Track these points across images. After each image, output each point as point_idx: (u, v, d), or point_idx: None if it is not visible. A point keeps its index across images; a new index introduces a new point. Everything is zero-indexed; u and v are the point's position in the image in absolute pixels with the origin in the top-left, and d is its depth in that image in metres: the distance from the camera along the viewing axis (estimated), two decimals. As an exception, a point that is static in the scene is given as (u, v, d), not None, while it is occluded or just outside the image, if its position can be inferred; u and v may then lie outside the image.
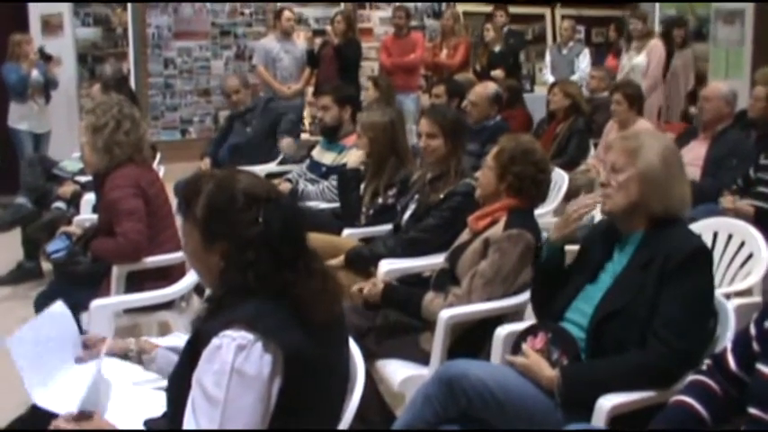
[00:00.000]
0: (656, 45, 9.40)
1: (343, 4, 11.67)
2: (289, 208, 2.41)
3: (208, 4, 11.41)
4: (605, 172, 3.11)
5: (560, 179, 5.98)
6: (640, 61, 9.26)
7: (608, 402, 2.77)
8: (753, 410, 2.24)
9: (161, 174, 5.00)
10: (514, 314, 3.65)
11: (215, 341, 2.18)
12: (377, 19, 12.18)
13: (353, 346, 2.63)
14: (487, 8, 11.74)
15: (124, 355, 2.91)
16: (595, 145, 7.50)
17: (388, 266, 4.29)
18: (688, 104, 9.54)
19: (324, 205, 5.75)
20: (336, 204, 5.57)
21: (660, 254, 2.91)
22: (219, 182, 2.34)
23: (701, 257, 2.90)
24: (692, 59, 10.13)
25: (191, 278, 4.28)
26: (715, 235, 4.34)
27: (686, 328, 2.78)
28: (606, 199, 3.06)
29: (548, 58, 10.83)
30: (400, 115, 5.60)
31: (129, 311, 4.31)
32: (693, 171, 5.92)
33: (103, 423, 2.43)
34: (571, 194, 5.88)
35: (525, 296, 3.56)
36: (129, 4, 10.76)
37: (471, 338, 3.64)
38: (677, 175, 3.08)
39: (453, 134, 4.53)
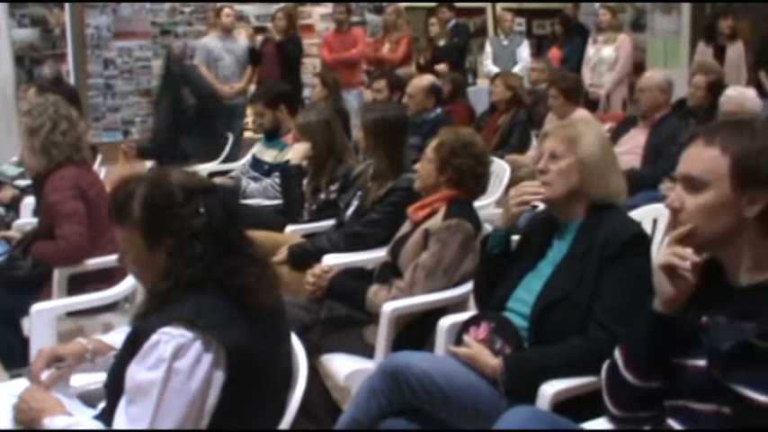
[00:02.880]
0: (625, 40, 9.55)
1: (283, 1, 11.62)
2: (226, 194, 2.43)
3: (147, 4, 11.30)
4: (543, 160, 3.13)
5: (502, 170, 6.01)
6: (609, 54, 9.37)
7: (551, 389, 2.80)
8: (676, 402, 2.29)
9: (102, 175, 4.95)
10: (458, 305, 3.66)
11: (154, 337, 2.18)
12: (318, 15, 12.14)
13: (295, 340, 2.63)
14: (430, 3, 11.78)
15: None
16: (537, 136, 7.55)
17: (332, 260, 4.28)
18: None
19: (267, 202, 5.73)
20: (279, 201, 5.56)
21: (599, 241, 2.94)
22: (152, 181, 2.34)
23: (638, 243, 2.94)
24: (743, 52, 9.47)
25: (133, 279, 4.24)
26: (655, 221, 4.39)
27: (626, 313, 2.80)
28: (545, 187, 3.08)
29: (488, 49, 10.88)
30: (337, 113, 5.63)
31: (71, 315, 4.26)
32: (634, 159, 6.01)
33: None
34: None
35: (468, 287, 3.58)
36: (66, 5, 10.61)
37: (415, 330, 3.65)
38: (613, 163, 3.13)
39: (375, 132, 4.53)
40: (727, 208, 2.16)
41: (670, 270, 2.22)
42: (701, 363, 2.21)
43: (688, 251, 2.19)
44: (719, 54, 8.96)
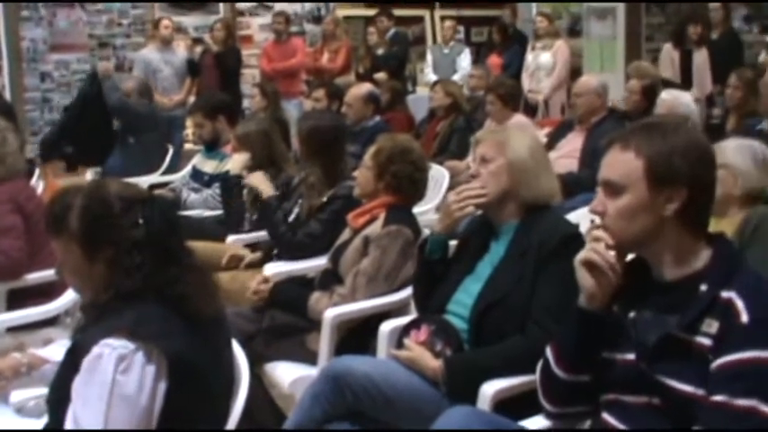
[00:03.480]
0: (563, 46, 9.67)
1: (222, 12, 11.62)
2: (165, 204, 2.44)
3: (84, 16, 11.20)
4: (474, 164, 3.19)
5: (441, 177, 6.06)
6: (546, 60, 9.48)
7: (491, 388, 2.85)
8: (610, 396, 2.36)
9: (40, 189, 4.91)
10: (399, 310, 3.70)
11: (95, 350, 2.17)
12: (257, 26, 12.14)
13: (237, 348, 2.64)
14: (368, 12, 11.83)
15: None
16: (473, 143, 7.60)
17: (273, 269, 4.30)
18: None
19: (208, 213, 5.74)
20: (220, 212, 5.57)
21: (535, 242, 3.01)
22: (90, 192, 2.34)
23: (573, 243, 2.98)
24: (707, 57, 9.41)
25: (72, 294, 4.22)
26: (592, 223, 4.46)
27: (563, 312, 2.85)
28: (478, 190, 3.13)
29: (429, 57, 10.97)
30: (277, 122, 5.65)
31: (11, 330, 4.21)
32: (571, 162, 6.10)
33: None
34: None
35: (408, 292, 3.61)
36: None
37: (357, 336, 3.68)
38: (545, 165, 3.20)
39: (311, 141, 4.58)
40: (645, 209, 2.24)
41: (590, 266, 2.30)
42: (631, 357, 2.28)
43: (601, 246, 2.28)
44: (687, 59, 9.02)
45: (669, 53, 9.20)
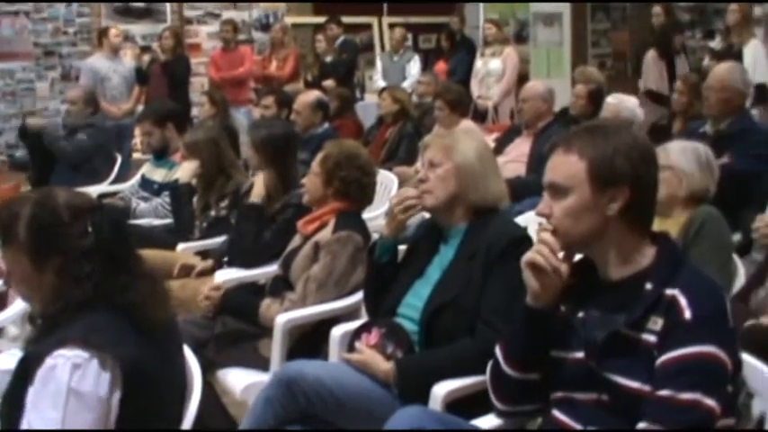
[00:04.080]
0: (512, 53, 9.72)
1: (170, 20, 11.56)
2: (114, 212, 2.43)
3: (29, 24, 11.09)
4: (423, 169, 3.23)
5: (390, 182, 6.09)
6: (496, 66, 9.55)
7: (442, 389, 2.88)
8: (559, 393, 2.40)
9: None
10: (349, 314, 3.72)
11: (49, 361, 2.15)
12: (205, 34, 12.10)
13: (189, 355, 2.64)
14: (316, 19, 11.84)
15: None
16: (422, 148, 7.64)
17: (224, 276, 4.30)
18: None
19: (157, 222, 5.71)
20: (169, 220, 5.55)
21: (483, 245, 3.04)
22: (38, 201, 2.32)
23: (521, 245, 3.02)
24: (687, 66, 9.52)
25: (20, 304, 4.17)
26: (540, 226, 4.51)
27: (511, 313, 2.89)
28: (426, 194, 3.17)
29: (379, 65, 11.02)
30: (226, 130, 5.66)
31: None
32: (519, 167, 6.16)
33: None
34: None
35: (359, 296, 3.63)
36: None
37: (309, 341, 3.70)
38: (492, 169, 3.24)
39: (264, 149, 4.58)
40: (590, 209, 2.30)
41: (534, 267, 2.35)
42: (579, 355, 2.32)
43: (545, 248, 2.33)
44: (671, 67, 9.01)
45: (655, 63, 9.11)
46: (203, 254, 5.01)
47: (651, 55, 9.08)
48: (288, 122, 6.68)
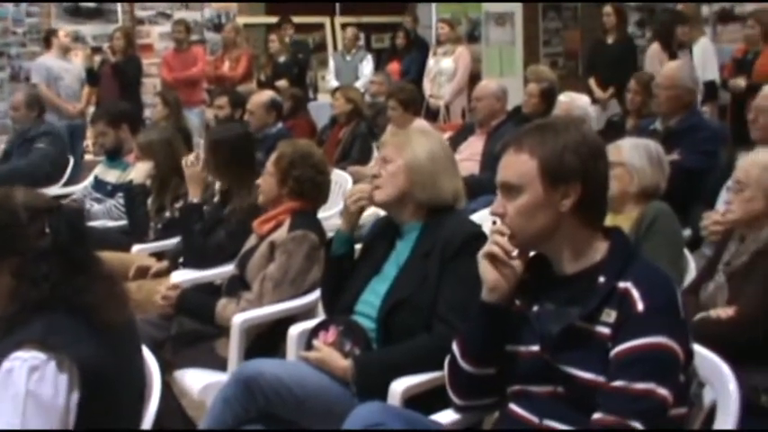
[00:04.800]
0: (464, 52, 9.76)
1: (121, 21, 11.47)
2: (71, 213, 2.42)
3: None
4: (377, 165, 3.26)
5: (345, 182, 6.10)
6: (448, 65, 9.58)
7: (400, 386, 2.90)
8: (516, 387, 2.44)
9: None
10: (306, 313, 3.73)
11: (6, 365, 2.15)
12: (156, 34, 12.02)
13: (148, 355, 2.64)
14: (269, 19, 11.82)
15: None
16: (378, 147, 7.67)
17: (180, 277, 4.29)
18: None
19: (111, 223, 5.68)
20: (124, 222, 5.53)
21: (439, 242, 3.07)
22: None
23: (476, 242, 3.04)
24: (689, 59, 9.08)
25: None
26: (494, 224, 4.54)
27: (468, 309, 2.92)
28: (377, 190, 3.20)
29: (332, 64, 11.02)
30: (179, 131, 5.65)
31: None
32: (473, 165, 6.20)
33: None
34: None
35: (315, 295, 3.66)
36: None
37: (266, 340, 3.70)
38: (446, 168, 3.24)
39: (221, 152, 4.58)
40: (542, 207, 2.33)
41: (492, 259, 2.39)
42: (535, 348, 2.36)
43: (505, 240, 2.37)
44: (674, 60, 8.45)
45: (658, 55, 8.86)
46: (158, 255, 5.00)
47: (654, 48, 8.95)
48: (243, 123, 6.68)
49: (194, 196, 4.60)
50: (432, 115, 9.32)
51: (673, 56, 8.60)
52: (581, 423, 2.23)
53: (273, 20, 11.46)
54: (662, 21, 9.20)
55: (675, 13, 9.11)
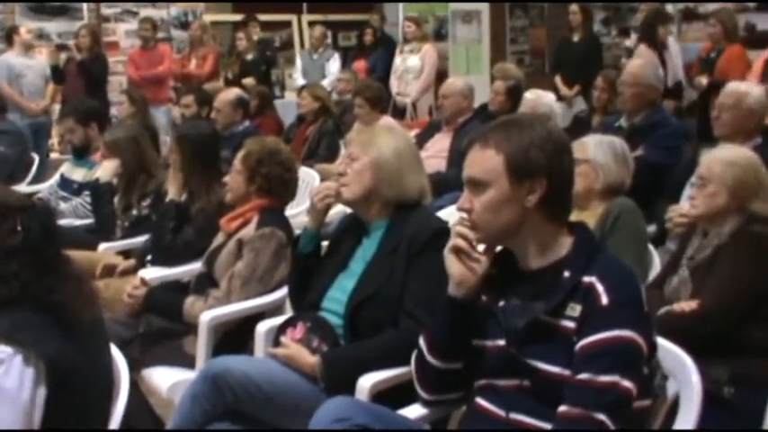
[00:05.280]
0: (430, 50, 9.78)
1: (86, 18, 11.40)
2: (44, 212, 2.42)
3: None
4: (343, 163, 3.27)
5: (312, 179, 6.11)
6: (414, 63, 9.61)
7: (368, 381, 2.92)
8: (483, 381, 2.47)
9: None
10: (274, 310, 3.74)
11: None
12: (123, 32, 11.94)
13: (116, 354, 2.64)
14: (235, 17, 11.79)
15: None
16: (345, 145, 7.68)
17: (148, 275, 4.28)
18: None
19: (78, 222, 5.65)
20: (90, 220, 5.51)
21: (405, 238, 3.09)
22: None
23: (443, 238, 3.05)
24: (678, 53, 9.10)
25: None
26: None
27: (435, 304, 2.94)
28: (344, 188, 3.21)
29: (299, 63, 11.03)
30: (146, 129, 5.63)
31: None
32: (439, 162, 6.24)
33: None
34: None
35: (283, 292, 3.67)
36: None
37: (234, 338, 3.70)
38: (412, 165, 3.26)
39: (182, 148, 4.58)
40: (509, 202, 2.36)
41: (458, 253, 2.42)
42: (501, 342, 2.39)
43: (471, 234, 2.40)
44: (661, 58, 8.51)
45: (644, 54, 8.41)
46: (125, 253, 4.98)
47: (641, 49, 8.63)
48: (209, 121, 6.67)
49: (173, 194, 4.57)
50: (399, 113, 9.35)
51: (661, 55, 8.51)
52: (547, 416, 2.26)
53: (240, 18, 11.44)
54: (644, 21, 9.05)
55: (657, 11, 9.03)
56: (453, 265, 2.44)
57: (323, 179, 6.10)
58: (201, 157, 4.54)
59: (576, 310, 2.26)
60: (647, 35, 8.67)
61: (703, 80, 8.11)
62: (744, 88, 4.89)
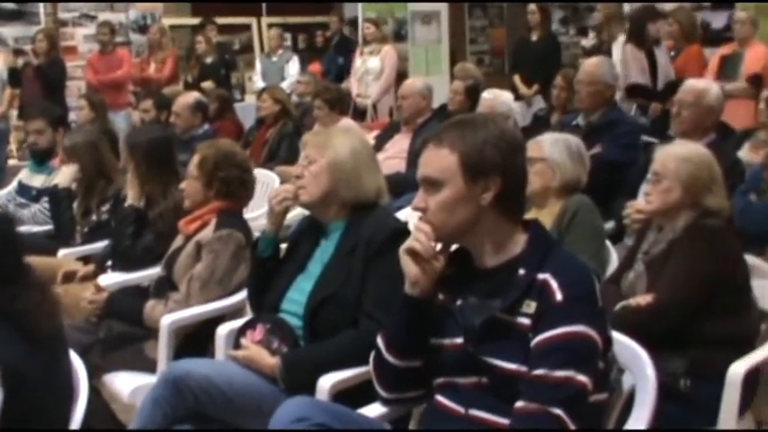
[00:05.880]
0: (390, 50, 9.78)
1: (44, 22, 11.31)
2: (3, 222, 2.42)
3: None
4: (300, 166, 3.28)
5: (272, 182, 6.10)
6: (374, 65, 9.62)
7: (328, 381, 2.94)
8: (442, 379, 2.49)
9: None
10: (234, 313, 3.74)
11: None
12: (81, 36, 11.85)
13: (76, 360, 2.64)
14: (194, 21, 11.75)
15: None
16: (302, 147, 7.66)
17: (107, 280, 4.27)
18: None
19: (37, 228, 5.61)
20: (50, 227, 5.47)
21: (363, 239, 3.11)
22: None
23: (400, 238, 3.07)
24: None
25: None
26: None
27: (393, 305, 2.96)
28: (301, 190, 3.22)
29: (258, 66, 11.01)
30: (105, 134, 5.61)
31: None
32: (399, 163, 6.26)
33: None
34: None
35: (243, 294, 3.66)
36: None
37: (195, 341, 3.70)
38: (368, 165, 3.28)
39: (133, 156, 4.56)
40: (464, 201, 2.38)
41: (413, 254, 2.43)
42: (459, 340, 2.41)
43: (423, 236, 2.42)
44: (652, 58, 8.22)
45: (633, 55, 8.12)
46: (85, 259, 4.96)
47: (629, 48, 8.17)
48: (165, 126, 6.66)
49: (132, 199, 4.55)
50: (359, 114, 9.36)
51: (650, 54, 8.15)
52: (506, 412, 2.28)
53: (199, 21, 11.39)
54: (632, 18, 8.67)
55: (646, 8, 8.79)
56: (408, 266, 2.46)
57: (283, 181, 6.10)
58: (155, 162, 4.52)
59: (531, 307, 2.29)
60: (636, 34, 8.23)
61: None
62: (702, 85, 4.97)
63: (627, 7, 9.60)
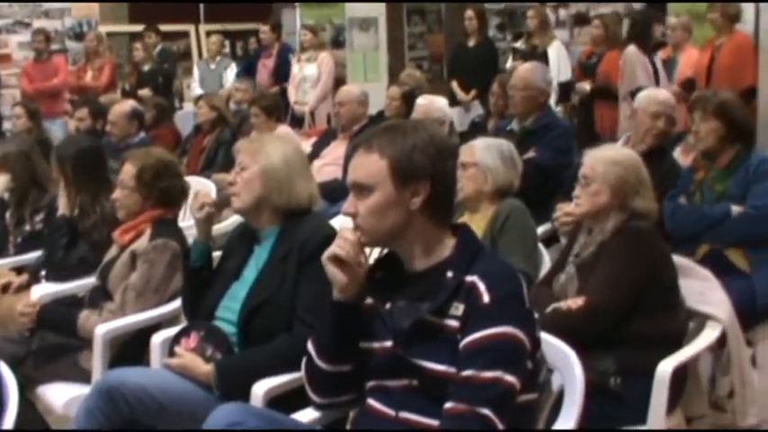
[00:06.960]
0: (327, 57, 9.78)
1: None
2: None
3: None
4: (233, 173, 3.29)
5: (208, 189, 6.04)
6: (311, 72, 9.61)
7: (262, 387, 2.95)
8: (373, 382, 2.52)
9: None
10: (170, 321, 3.72)
11: None
12: (15, 44, 11.71)
13: (5, 372, 2.61)
14: (132, 28, 11.66)
15: None
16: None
17: (41, 291, 4.23)
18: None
19: (-32, 240, 5.53)
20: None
21: (296, 244, 3.13)
22: None
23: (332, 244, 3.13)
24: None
25: None
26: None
27: (325, 309, 2.98)
28: (234, 197, 3.23)
29: (196, 73, 10.94)
30: (41, 143, 5.55)
31: None
32: (335, 170, 6.27)
33: None
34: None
35: (178, 303, 3.64)
36: None
37: (130, 350, 3.67)
38: (300, 172, 3.30)
39: (62, 167, 4.54)
40: (394, 205, 2.41)
41: (337, 260, 2.45)
42: (388, 344, 2.44)
43: (346, 242, 2.44)
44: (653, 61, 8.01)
45: (638, 59, 7.84)
46: (18, 269, 4.90)
47: (632, 51, 7.88)
48: (101, 134, 6.61)
49: (64, 209, 4.51)
50: (297, 122, 9.35)
51: (651, 56, 7.99)
52: (436, 413, 2.31)
53: (137, 28, 11.33)
54: (636, 21, 8.45)
55: (650, 11, 8.89)
56: (333, 272, 2.47)
57: (219, 189, 6.08)
58: (85, 173, 4.49)
59: (459, 309, 2.32)
60: (639, 37, 7.98)
61: (586, 86, 8.34)
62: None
63: (563, 12, 9.74)
